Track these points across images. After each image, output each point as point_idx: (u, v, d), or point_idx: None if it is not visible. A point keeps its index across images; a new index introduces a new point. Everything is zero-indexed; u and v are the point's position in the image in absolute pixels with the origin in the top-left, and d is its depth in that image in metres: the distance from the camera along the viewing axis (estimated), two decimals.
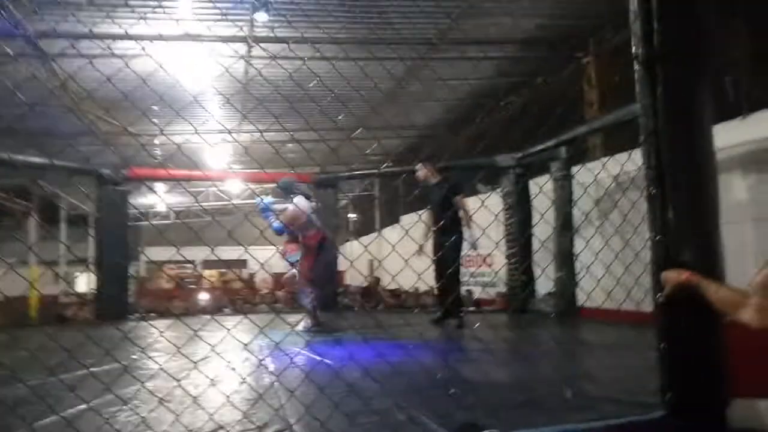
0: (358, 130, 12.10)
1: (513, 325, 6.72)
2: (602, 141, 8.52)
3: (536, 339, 5.43)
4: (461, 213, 5.95)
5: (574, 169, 7.11)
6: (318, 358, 3.98)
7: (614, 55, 8.23)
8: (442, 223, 5.46)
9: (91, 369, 3.58)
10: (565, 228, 6.88)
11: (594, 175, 6.57)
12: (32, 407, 2.68)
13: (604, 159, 7.18)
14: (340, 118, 10.58)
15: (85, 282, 16.17)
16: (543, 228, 7.22)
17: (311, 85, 8.23)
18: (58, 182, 14.40)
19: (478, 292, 10.00)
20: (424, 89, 9.60)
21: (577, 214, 6.81)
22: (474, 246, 5.95)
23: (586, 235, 6.69)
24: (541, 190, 7.05)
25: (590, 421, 2.27)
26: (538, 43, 8.73)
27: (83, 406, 2.63)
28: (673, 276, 2.07)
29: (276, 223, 5.61)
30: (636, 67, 2.49)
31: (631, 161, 5.33)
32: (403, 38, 8.22)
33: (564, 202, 6.97)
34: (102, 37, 7.30)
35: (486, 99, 11.09)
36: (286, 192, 5.88)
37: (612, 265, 5.03)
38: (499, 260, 8.35)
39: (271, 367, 3.89)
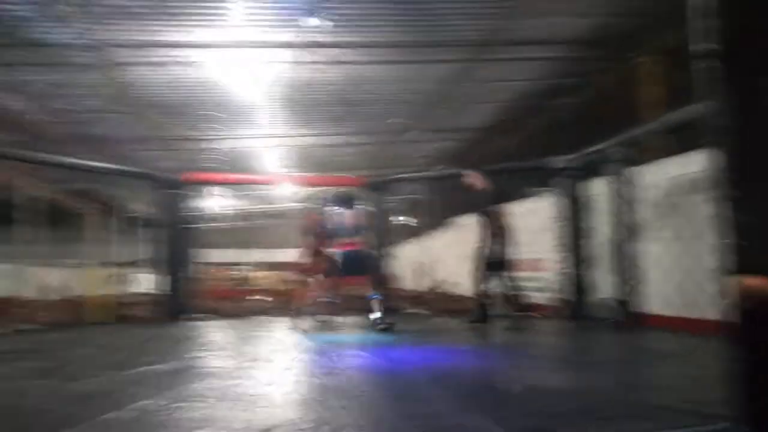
0: (409, 133, 12.13)
1: (570, 332, 6.57)
2: (660, 142, 8.25)
3: (593, 346, 5.29)
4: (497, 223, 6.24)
5: (632, 171, 6.90)
6: (374, 359, 4.01)
7: (672, 53, 7.94)
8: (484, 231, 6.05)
9: (153, 366, 3.74)
10: (625, 232, 6.70)
11: (654, 177, 6.42)
12: (100, 401, 2.81)
13: (664, 160, 6.97)
14: (389, 121, 10.64)
15: (145, 282, 16.80)
16: (600, 232, 7.06)
17: (363, 88, 8.35)
18: (120, 186, 15.04)
19: (533, 298, 9.83)
20: (479, 90, 9.52)
21: (636, 217, 6.61)
22: (500, 257, 6.25)
23: (646, 239, 6.52)
24: (596, 192, 6.87)
25: (650, 430, 2.20)
26: (592, 43, 8.52)
27: (146, 401, 2.75)
28: (755, 283, 1.97)
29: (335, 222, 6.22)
30: (696, 64, 2.41)
31: (694, 162, 5.16)
32: (454, 40, 8.19)
33: (622, 205, 6.78)
34: (163, 45, 7.60)
35: (538, 100, 10.91)
36: (343, 203, 6.37)
37: (674, 271, 4.88)
38: (555, 265, 8.18)
39: (327, 367, 3.94)
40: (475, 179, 6.50)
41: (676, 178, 5.88)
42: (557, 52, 8.82)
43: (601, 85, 9.66)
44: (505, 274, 6.35)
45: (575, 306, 7.49)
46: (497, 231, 6.01)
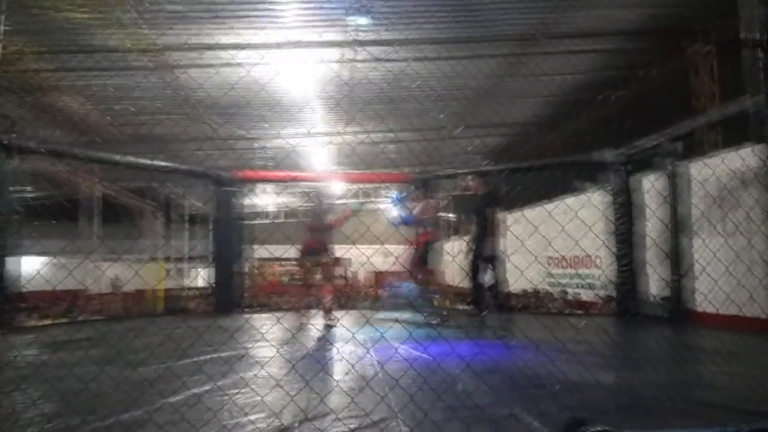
0: (459, 129, 12.11)
1: (620, 329, 6.45)
2: (713, 135, 7.96)
3: (644, 343, 5.19)
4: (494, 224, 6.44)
5: (684, 165, 6.68)
6: (419, 352, 4.08)
7: (730, 43, 7.63)
8: (477, 229, 6.33)
9: (208, 355, 3.94)
10: (678, 227, 6.52)
11: (706, 171, 6.20)
12: (167, 385, 3.01)
13: (718, 153, 6.71)
14: (442, 116, 10.65)
15: (203, 276, 17.43)
16: (653, 227, 6.88)
17: (411, 84, 8.40)
18: (181, 184, 15.62)
19: (582, 295, 9.67)
20: (525, 85, 9.41)
21: (687, 212, 6.42)
22: (492, 257, 6.37)
23: (697, 234, 6.31)
24: (647, 187, 6.70)
25: (697, 427, 2.19)
26: (646, 33, 8.28)
27: (202, 388, 2.92)
28: None
29: (405, 213, 6.41)
30: (755, 54, 2.36)
31: (748, 155, 4.97)
32: (504, 34, 8.13)
33: (676, 200, 6.58)
34: (221, 47, 7.88)
35: (588, 93, 10.68)
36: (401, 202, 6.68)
37: (731, 268, 4.73)
38: (604, 261, 8.02)
39: (376, 359, 4.05)
40: (475, 184, 6.84)
41: (730, 171, 5.67)
42: (607, 44, 8.63)
43: (652, 77, 9.37)
44: (493, 269, 6.55)
45: (624, 302, 7.34)
46: (492, 230, 6.27)
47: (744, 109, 4.94)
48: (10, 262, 6.42)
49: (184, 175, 9.77)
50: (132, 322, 7.77)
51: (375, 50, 8.18)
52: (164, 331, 5.71)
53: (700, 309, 6.18)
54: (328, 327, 5.78)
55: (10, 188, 6.55)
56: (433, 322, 6.03)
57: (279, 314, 7.11)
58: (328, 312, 5.95)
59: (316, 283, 6.06)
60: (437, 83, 8.88)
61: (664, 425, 2.20)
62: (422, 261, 6.41)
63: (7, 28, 5.19)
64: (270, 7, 7.08)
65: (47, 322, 7.66)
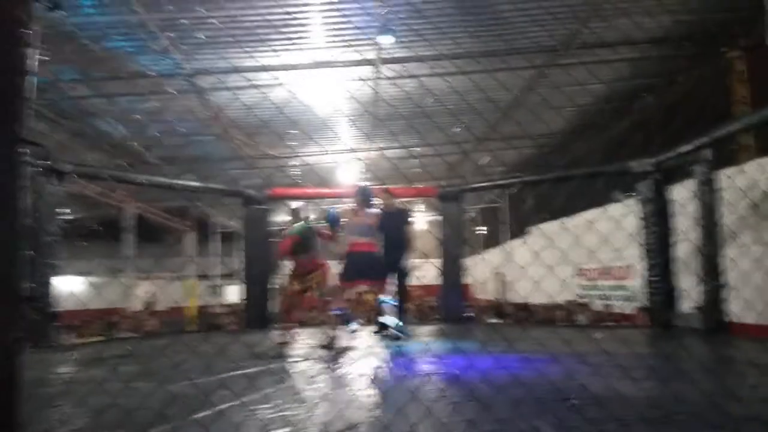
0: (486, 142, 12.08)
1: (652, 341, 6.30)
2: (756, 142, 7.76)
3: (676, 355, 5.06)
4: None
5: (721, 174, 6.52)
6: (443, 366, 4.07)
7: (761, 49, 7.46)
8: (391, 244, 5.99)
9: (239, 371, 4.00)
10: (713, 237, 6.35)
11: (744, 180, 6.05)
12: (189, 402, 3.07)
13: (756, 161, 6.54)
14: (457, 129, 10.65)
15: (234, 293, 17.68)
16: (687, 238, 6.73)
17: (429, 101, 8.46)
18: (211, 203, 15.94)
19: (618, 306, 9.50)
20: (552, 95, 9.36)
21: (724, 222, 6.26)
22: (406, 270, 6.39)
23: (735, 245, 6.14)
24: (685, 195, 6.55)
25: None
26: (678, 40, 8.17)
27: (231, 403, 2.97)
28: None
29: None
30: None
31: None
32: (537, 45, 8.14)
33: (711, 209, 6.42)
34: (245, 70, 8.09)
35: (621, 102, 10.55)
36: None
37: (763, 279, 4.60)
38: (641, 273, 7.86)
39: (396, 372, 4.05)
40: (391, 200, 6.66)
41: (766, 179, 5.53)
42: (640, 52, 8.54)
43: (686, 84, 9.22)
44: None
45: (660, 314, 7.16)
46: (398, 247, 6.15)
47: None
48: (54, 281, 6.64)
49: (218, 194, 9.99)
50: (167, 338, 7.93)
51: (402, 67, 8.29)
52: (198, 346, 5.83)
53: (737, 320, 6.01)
54: (329, 347, 5.26)
55: (55, 210, 6.83)
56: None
57: (311, 329, 7.16)
58: (333, 327, 5.44)
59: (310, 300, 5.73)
60: (467, 97, 8.92)
61: None
62: (346, 277, 5.50)
63: (44, 58, 5.45)
64: (296, 29, 7.24)
65: (83, 340, 7.88)
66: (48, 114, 9.12)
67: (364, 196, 5.80)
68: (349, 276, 5.43)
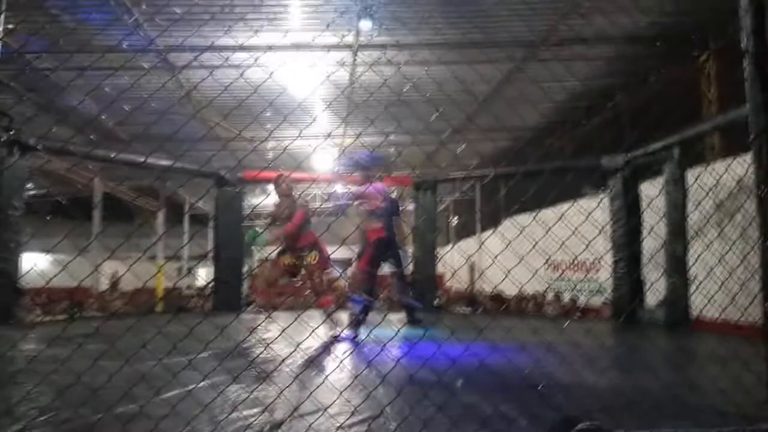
0: (461, 133, 12.13)
1: (617, 334, 6.46)
2: (721, 142, 7.96)
3: (640, 348, 5.20)
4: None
5: (688, 172, 6.68)
6: (412, 353, 4.10)
7: (736, 50, 7.64)
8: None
9: (208, 352, 3.97)
10: (678, 234, 6.52)
11: (710, 178, 6.20)
12: (157, 382, 3.03)
13: (722, 161, 6.71)
14: (443, 120, 10.67)
15: (204, 275, 17.48)
16: (654, 234, 6.88)
17: (406, 89, 8.44)
18: (182, 183, 15.67)
19: (582, 300, 9.68)
20: (530, 90, 9.44)
21: (690, 219, 6.42)
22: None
23: (700, 241, 6.31)
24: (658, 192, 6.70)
25: (689, 428, 2.20)
26: (650, 41, 8.31)
27: (199, 384, 2.95)
28: None
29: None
30: (745, 63, 2.39)
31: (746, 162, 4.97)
32: (514, 39, 8.17)
33: (676, 207, 6.59)
34: (221, 49, 7.94)
35: (594, 99, 10.70)
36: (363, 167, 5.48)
37: (726, 274, 4.72)
38: (608, 267, 8.03)
39: (367, 356, 4.07)
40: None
41: (733, 179, 5.68)
42: (614, 51, 8.65)
43: (658, 84, 9.39)
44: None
45: (626, 307, 7.34)
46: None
47: (744, 117, 4.95)
48: (20, 259, 6.48)
49: (191, 175, 9.83)
50: (137, 319, 7.81)
51: (380, 53, 8.23)
52: (168, 328, 5.74)
53: (700, 315, 6.18)
54: (334, 337, 5.08)
55: (19, 185, 6.63)
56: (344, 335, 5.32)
57: (284, 313, 7.13)
58: (332, 320, 5.20)
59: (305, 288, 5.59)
60: (443, 87, 8.93)
61: (652, 426, 2.21)
62: (371, 264, 5.18)
63: (8, 26, 5.25)
64: (275, 10, 7.13)
65: (47, 318, 7.71)
66: (13, 85, 8.83)
67: (365, 165, 5.39)
68: (374, 263, 5.15)
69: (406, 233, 6.12)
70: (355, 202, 5.32)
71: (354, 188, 5.35)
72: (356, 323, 5.07)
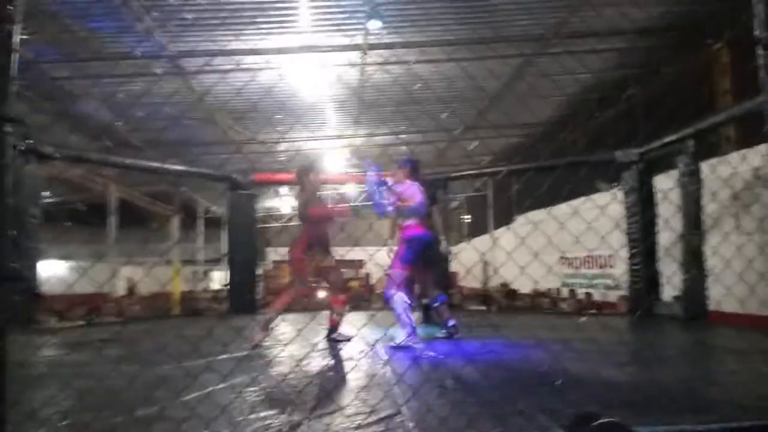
0: (474, 130, 12.10)
1: (634, 329, 6.40)
2: (736, 134, 7.86)
3: (657, 342, 5.16)
4: None
5: (704, 164, 6.60)
6: (428, 350, 4.10)
7: (750, 40, 7.53)
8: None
9: (224, 355, 4.00)
10: (694, 227, 6.44)
11: (726, 170, 6.13)
12: (174, 385, 3.06)
13: (739, 152, 6.63)
14: (454, 116, 10.66)
15: (219, 279, 17.59)
16: (670, 227, 6.82)
17: (416, 87, 8.44)
18: (196, 188, 15.79)
19: (601, 295, 9.62)
20: (542, 84, 9.37)
21: (706, 212, 6.35)
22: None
23: (716, 234, 6.24)
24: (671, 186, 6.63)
25: (708, 423, 2.18)
26: (662, 31, 8.22)
27: (215, 386, 2.97)
28: None
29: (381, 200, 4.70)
30: (759, 51, 2.36)
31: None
32: (525, 33, 8.13)
33: (692, 199, 6.51)
34: (232, 53, 7.98)
35: (607, 92, 10.61)
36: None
37: (744, 268, 4.67)
38: (624, 261, 7.96)
39: (383, 356, 4.08)
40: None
41: (750, 170, 5.61)
42: (626, 42, 8.57)
43: (671, 75, 9.29)
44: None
45: (642, 302, 7.27)
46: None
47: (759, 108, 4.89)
48: (38, 264, 6.56)
49: (204, 178, 9.88)
50: (153, 323, 7.89)
51: (391, 53, 8.23)
52: (184, 331, 5.80)
53: (717, 308, 6.12)
54: (335, 341, 4.96)
55: (36, 192, 6.72)
56: (440, 335, 5.05)
57: (298, 315, 7.15)
58: (335, 325, 5.05)
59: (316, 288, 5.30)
60: (455, 84, 8.91)
61: (672, 421, 2.20)
62: (405, 262, 4.75)
63: (23, 37, 5.32)
64: (284, 12, 7.16)
65: (66, 324, 7.81)
66: (29, 95, 8.95)
67: (413, 166, 5.03)
68: (410, 262, 4.71)
69: (442, 224, 5.53)
70: (396, 200, 4.89)
71: (395, 186, 4.93)
72: (406, 326, 4.63)
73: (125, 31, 7.46)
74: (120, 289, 14.06)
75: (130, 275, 15.07)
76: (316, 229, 4.85)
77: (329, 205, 5.07)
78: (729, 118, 6.43)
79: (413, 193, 4.84)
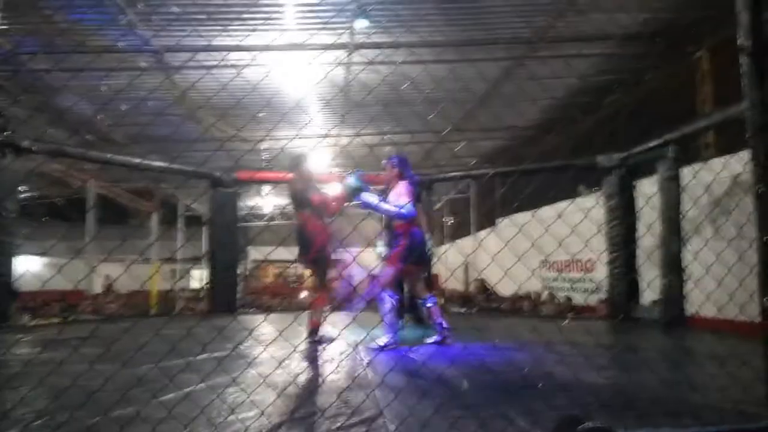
0: (458, 132, 12.13)
1: (614, 332, 6.46)
2: (716, 140, 7.98)
3: (637, 346, 5.20)
4: None
5: (684, 170, 6.69)
6: (409, 355, 4.09)
7: (731, 47, 7.65)
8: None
9: (204, 355, 3.94)
10: (673, 232, 6.52)
11: (707, 176, 6.20)
12: (152, 385, 3.01)
13: (719, 158, 6.72)
14: (441, 118, 10.67)
15: (198, 277, 17.43)
16: (651, 232, 6.89)
17: (404, 87, 8.42)
18: (176, 185, 15.60)
19: (578, 299, 9.70)
20: (527, 89, 9.43)
21: (686, 217, 6.43)
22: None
23: (696, 239, 6.32)
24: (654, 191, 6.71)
25: (687, 426, 2.20)
26: (645, 38, 8.31)
27: (195, 387, 2.92)
28: None
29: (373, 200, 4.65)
30: (742, 59, 2.38)
31: (743, 160, 4.98)
32: (513, 38, 8.16)
33: (672, 205, 6.59)
34: (217, 49, 7.89)
35: (590, 97, 10.71)
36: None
37: (723, 273, 4.73)
38: (604, 265, 8.03)
39: (364, 358, 4.05)
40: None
41: (730, 177, 5.69)
42: (609, 48, 8.65)
43: (653, 82, 9.41)
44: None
45: (622, 306, 7.34)
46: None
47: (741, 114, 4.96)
48: (15, 261, 6.43)
49: (186, 176, 9.76)
50: (132, 321, 7.77)
51: (376, 53, 8.20)
52: (163, 330, 5.70)
53: (696, 313, 6.19)
54: (317, 342, 4.85)
55: (12, 187, 6.58)
56: (430, 341, 4.91)
57: (279, 315, 7.09)
58: (315, 326, 4.92)
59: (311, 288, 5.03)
60: (439, 86, 8.91)
61: (653, 424, 2.21)
62: (402, 261, 4.64)
63: (2, 27, 5.21)
64: (271, 9, 7.11)
65: (42, 321, 7.67)
66: (7, 86, 8.77)
67: (403, 164, 5.00)
68: (407, 260, 4.61)
69: (426, 225, 5.37)
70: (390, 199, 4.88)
71: (387, 186, 4.99)
72: (390, 327, 4.60)
73: (108, 24, 7.33)
74: (97, 286, 13.84)
75: (108, 273, 14.85)
76: (321, 218, 4.89)
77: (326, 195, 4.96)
78: (710, 124, 6.52)
79: (406, 192, 4.82)
